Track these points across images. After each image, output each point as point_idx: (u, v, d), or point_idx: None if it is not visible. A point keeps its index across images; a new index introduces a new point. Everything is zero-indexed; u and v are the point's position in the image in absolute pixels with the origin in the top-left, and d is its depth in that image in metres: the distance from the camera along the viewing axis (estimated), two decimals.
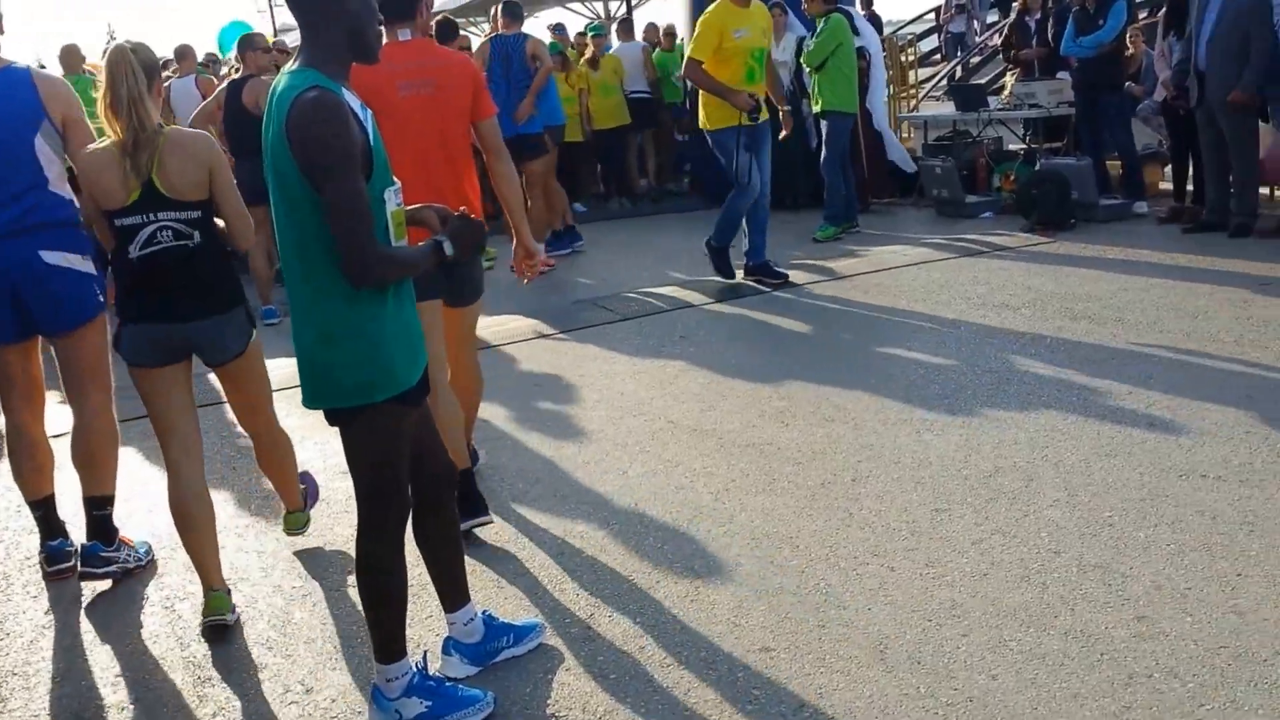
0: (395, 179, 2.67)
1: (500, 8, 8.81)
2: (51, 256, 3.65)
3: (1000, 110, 10.57)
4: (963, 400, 4.82)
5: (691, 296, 7.31)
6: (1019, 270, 7.30)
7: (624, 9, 19.33)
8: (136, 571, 3.89)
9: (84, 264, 3.73)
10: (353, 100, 2.53)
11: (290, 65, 2.55)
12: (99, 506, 3.80)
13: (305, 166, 2.42)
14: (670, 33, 13.10)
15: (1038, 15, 11.29)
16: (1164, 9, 9.05)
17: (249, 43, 7.85)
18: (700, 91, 7.31)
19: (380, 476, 2.70)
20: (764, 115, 7.10)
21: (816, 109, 9.28)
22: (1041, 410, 4.59)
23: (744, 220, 7.39)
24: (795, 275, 7.62)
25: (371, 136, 2.54)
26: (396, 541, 2.76)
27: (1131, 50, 9.65)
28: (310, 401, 2.67)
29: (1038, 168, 9.27)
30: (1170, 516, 3.53)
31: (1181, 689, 2.66)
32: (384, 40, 2.73)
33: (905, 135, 13.52)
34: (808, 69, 9.28)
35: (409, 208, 2.81)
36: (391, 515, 2.74)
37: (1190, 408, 4.45)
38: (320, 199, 2.44)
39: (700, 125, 7.32)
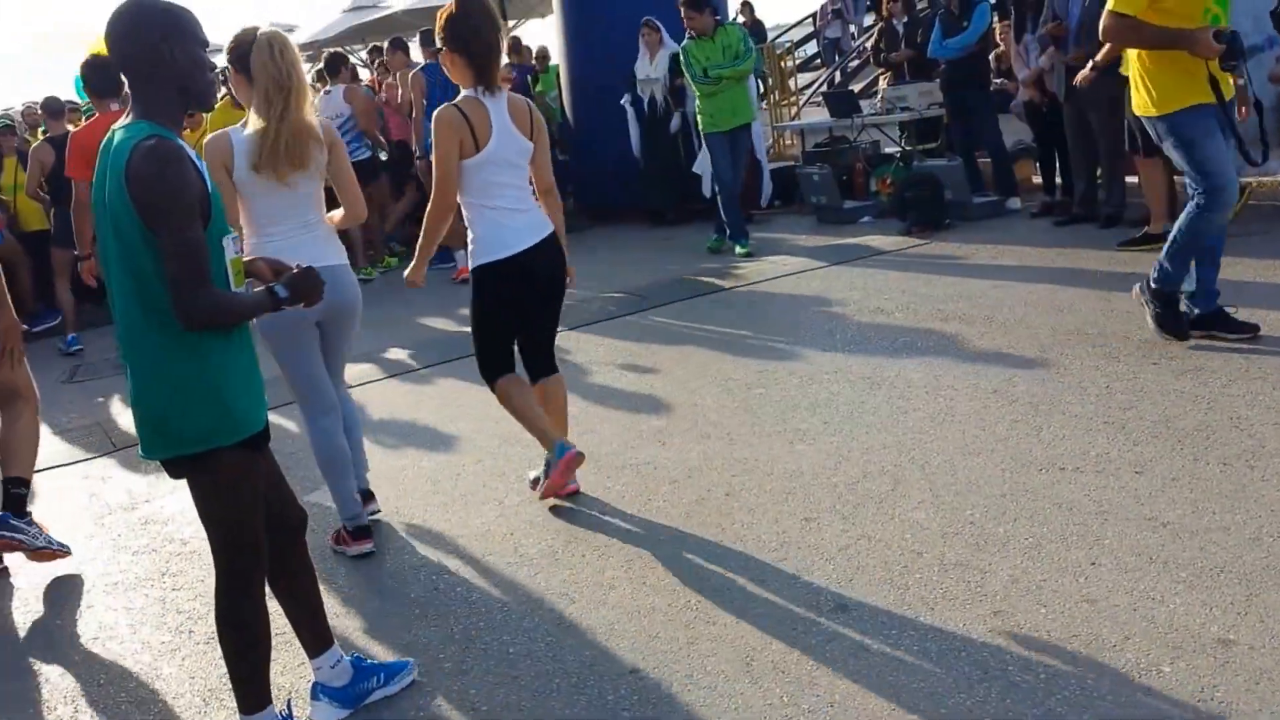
0: (231, 227, 2.66)
1: (420, 37, 9.85)
2: None
3: (872, 115, 10.79)
4: (835, 408, 4.89)
5: (568, 319, 7.29)
6: (894, 273, 7.44)
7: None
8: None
9: None
10: (188, 149, 2.51)
11: (122, 121, 2.55)
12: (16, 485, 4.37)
13: (143, 211, 2.42)
14: (544, 55, 13.17)
15: (905, 19, 11.56)
16: (1014, 10, 9.34)
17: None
18: (1136, 69, 5.06)
19: (234, 523, 2.65)
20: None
21: (730, 124, 8.91)
22: (910, 413, 4.68)
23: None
24: (665, 289, 7.68)
25: (209, 185, 2.52)
26: (257, 588, 2.72)
27: (1002, 48, 9.92)
28: (148, 451, 2.61)
29: (912, 170, 9.48)
30: (1029, 510, 3.62)
31: (1034, 680, 2.72)
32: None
33: (788, 143, 13.74)
34: (711, 83, 8.88)
35: (247, 259, 2.83)
36: (249, 561, 2.69)
37: (1051, 402, 4.58)
38: (158, 244, 2.42)
39: (1136, 111, 5.11)
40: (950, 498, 3.80)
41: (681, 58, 9.08)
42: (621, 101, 10.78)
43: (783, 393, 5.21)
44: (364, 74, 12.13)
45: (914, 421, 4.58)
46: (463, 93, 4.02)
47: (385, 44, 11.45)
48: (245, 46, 3.80)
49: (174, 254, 2.42)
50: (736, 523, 3.85)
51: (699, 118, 9.14)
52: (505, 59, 10.16)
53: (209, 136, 3.93)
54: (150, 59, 2.50)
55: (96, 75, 5.92)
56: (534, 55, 13.15)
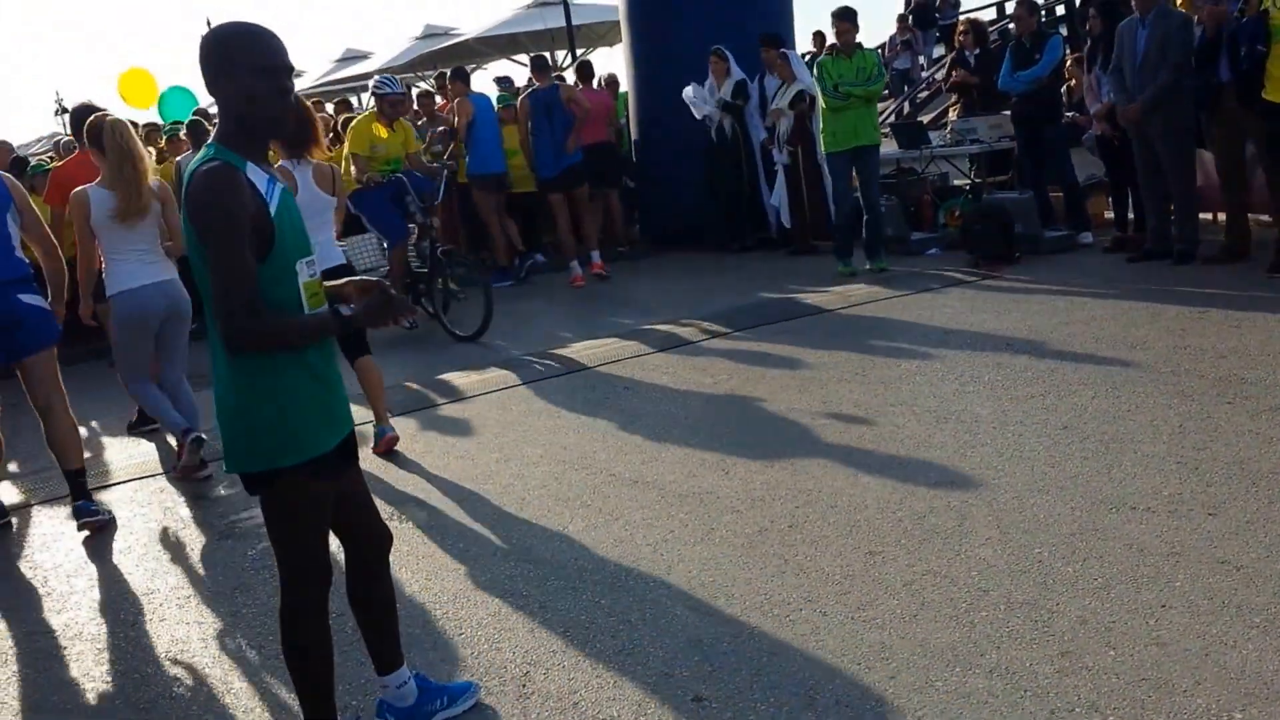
0: (311, 250, 2.72)
1: (532, 61, 11.12)
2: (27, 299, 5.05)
3: (941, 147, 10.73)
4: (900, 441, 4.86)
5: (634, 347, 7.34)
6: (962, 306, 7.39)
7: (569, 59, 19.58)
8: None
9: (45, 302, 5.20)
10: (256, 173, 2.57)
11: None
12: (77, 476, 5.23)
13: (197, 233, 2.50)
14: (614, 82, 13.30)
15: (977, 50, 11.49)
16: (1088, 43, 9.27)
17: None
18: None
19: (295, 544, 2.71)
20: None
21: (851, 143, 9.04)
22: (977, 448, 4.65)
23: None
24: (729, 320, 7.69)
25: (274, 208, 2.57)
26: (317, 609, 2.77)
27: (1073, 81, 9.83)
28: (227, 465, 2.69)
29: (981, 202, 9.41)
30: (1098, 551, 3.57)
31: None
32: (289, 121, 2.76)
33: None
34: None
35: (338, 282, 2.88)
36: (310, 583, 2.75)
37: (1123, 440, 4.52)
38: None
39: None
40: (1018, 535, 3.76)
41: (815, 71, 9.38)
42: (702, 115, 11.00)
43: (848, 425, 5.20)
44: (438, 100, 12.38)
45: (981, 457, 4.54)
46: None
47: (448, 71, 11.78)
48: (95, 129, 5.34)
49: (217, 278, 2.48)
50: (799, 554, 3.85)
51: (820, 136, 9.35)
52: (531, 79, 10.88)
53: (76, 190, 5.46)
54: (213, 88, 2.59)
55: None
56: (604, 82, 13.26)
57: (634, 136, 12.49)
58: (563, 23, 17.84)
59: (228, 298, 2.47)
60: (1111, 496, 3.97)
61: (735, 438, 5.20)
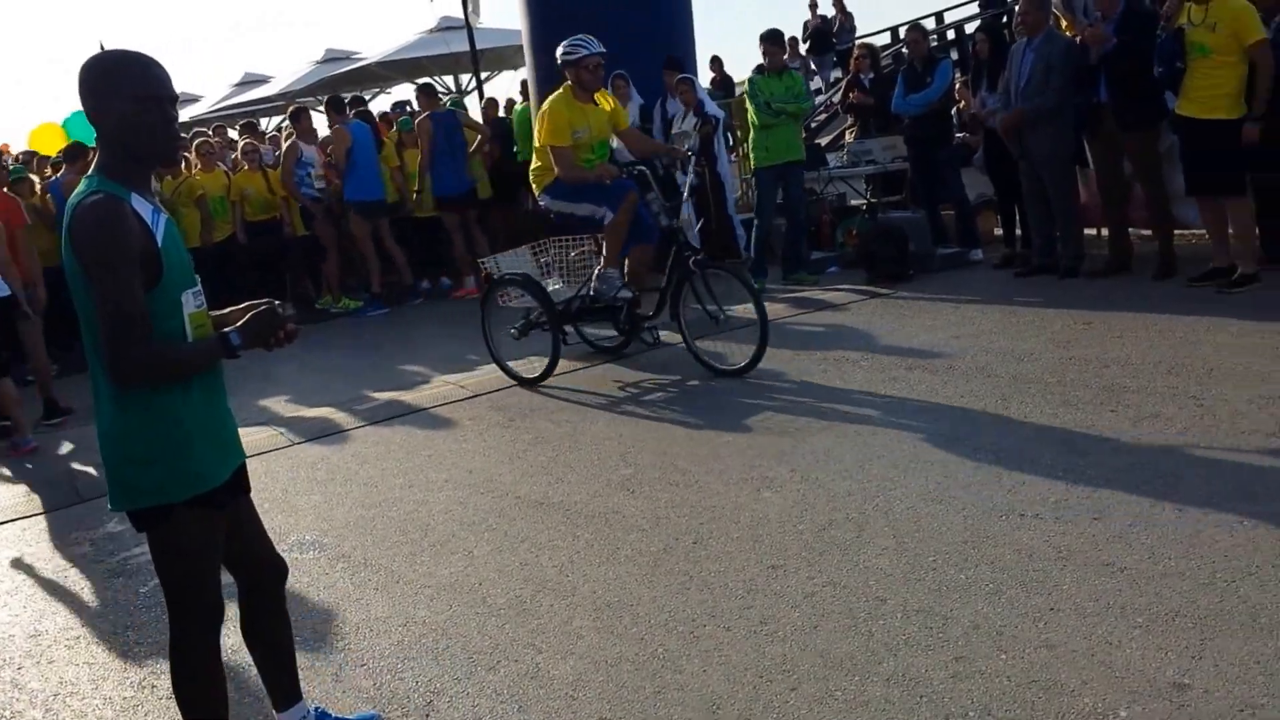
0: (196, 280, 2.67)
1: (419, 89, 11.43)
2: None
3: (838, 168, 10.96)
4: (802, 455, 4.94)
5: (544, 367, 7.33)
6: (860, 323, 7.54)
7: (473, 82, 19.58)
8: None
9: None
10: (141, 204, 2.53)
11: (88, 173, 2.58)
12: None
13: (84, 267, 2.44)
14: (511, 106, 13.48)
15: (871, 74, 11.77)
16: (971, 67, 9.62)
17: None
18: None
19: (186, 580, 2.65)
20: None
21: (783, 158, 9.44)
22: (875, 461, 4.74)
23: None
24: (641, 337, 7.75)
25: (160, 239, 2.53)
26: (206, 646, 2.72)
27: (963, 103, 10.13)
28: (112, 503, 2.62)
29: (877, 222, 9.63)
30: (990, 556, 3.67)
31: None
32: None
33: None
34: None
35: (227, 310, 2.83)
36: (201, 619, 2.69)
37: (1013, 449, 4.65)
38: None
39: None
40: (913, 544, 3.85)
41: (747, 88, 9.72)
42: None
43: (750, 440, 5.27)
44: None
45: (879, 469, 4.64)
46: None
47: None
48: None
49: (103, 310, 2.42)
50: (704, 570, 3.89)
51: (752, 152, 9.56)
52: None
53: None
54: (95, 115, 2.53)
55: None
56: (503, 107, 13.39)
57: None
58: (466, 47, 17.80)
59: (117, 330, 2.41)
60: (1002, 504, 4.09)
61: (641, 457, 5.23)
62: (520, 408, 6.43)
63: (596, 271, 7.04)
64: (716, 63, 16.95)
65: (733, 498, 4.54)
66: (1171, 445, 4.45)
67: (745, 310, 6.70)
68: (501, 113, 13.34)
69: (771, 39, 9.46)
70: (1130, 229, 8.37)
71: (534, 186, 7.23)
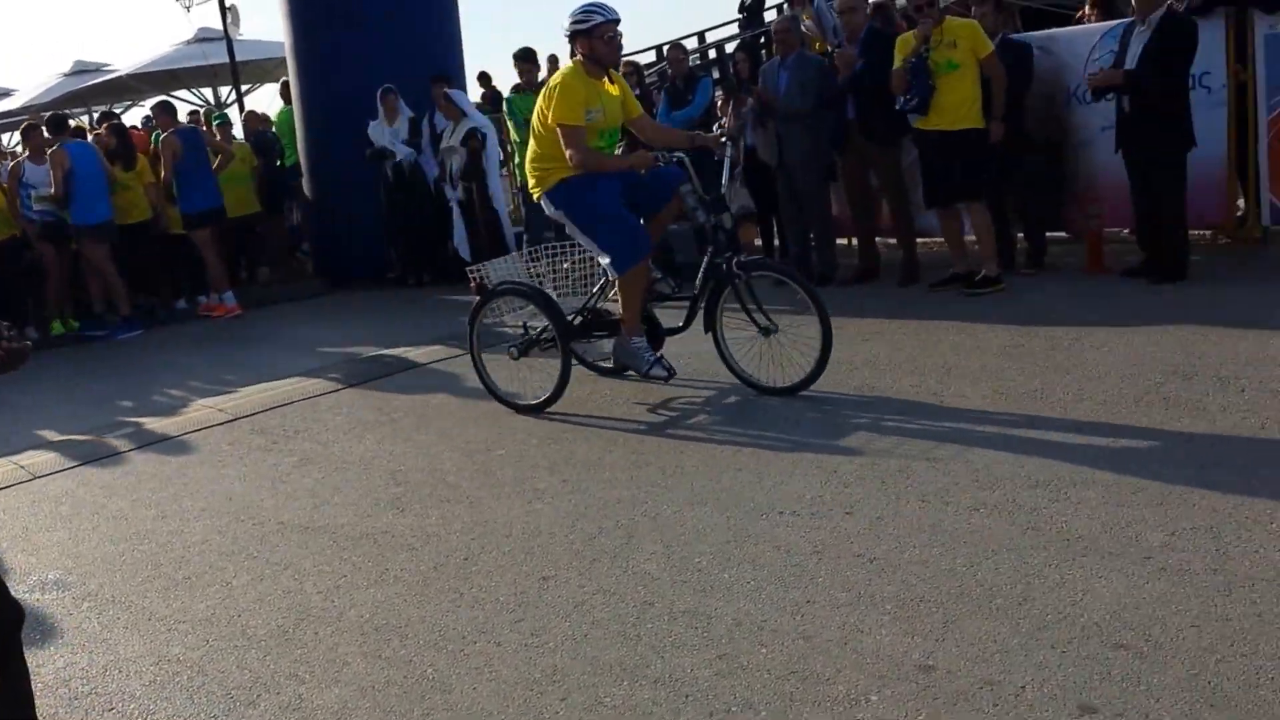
0: None
1: (159, 105, 10.94)
2: None
3: None
4: (573, 465, 4.98)
5: (308, 387, 7.12)
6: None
7: (233, 95, 18.87)
8: None
9: None
10: None
11: None
12: None
13: None
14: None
15: (637, 91, 12.03)
16: (729, 82, 10.01)
17: None
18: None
19: None
20: None
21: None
22: (644, 468, 4.83)
23: None
24: (416, 353, 7.64)
25: None
26: None
27: (725, 120, 10.45)
28: None
29: None
30: (751, 555, 3.80)
31: (755, 718, 2.85)
32: None
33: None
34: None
35: None
36: None
37: (770, 451, 4.84)
38: None
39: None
40: (680, 547, 3.94)
41: (505, 107, 9.76)
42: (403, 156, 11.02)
43: (522, 452, 5.26)
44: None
45: (648, 475, 4.73)
46: None
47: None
48: None
49: None
50: (475, 586, 3.85)
51: (519, 169, 9.61)
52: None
53: None
54: None
55: None
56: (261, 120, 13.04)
57: (303, 173, 12.24)
58: (226, 59, 17.11)
59: None
60: (762, 503, 4.24)
61: (410, 475, 5.14)
62: (284, 430, 6.21)
63: (615, 342, 6.03)
64: (485, 78, 16.90)
65: (504, 511, 4.52)
66: (913, 442, 4.73)
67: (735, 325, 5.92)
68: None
69: (525, 57, 9.59)
70: (878, 239, 8.86)
71: (532, 183, 6.00)
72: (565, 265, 6.37)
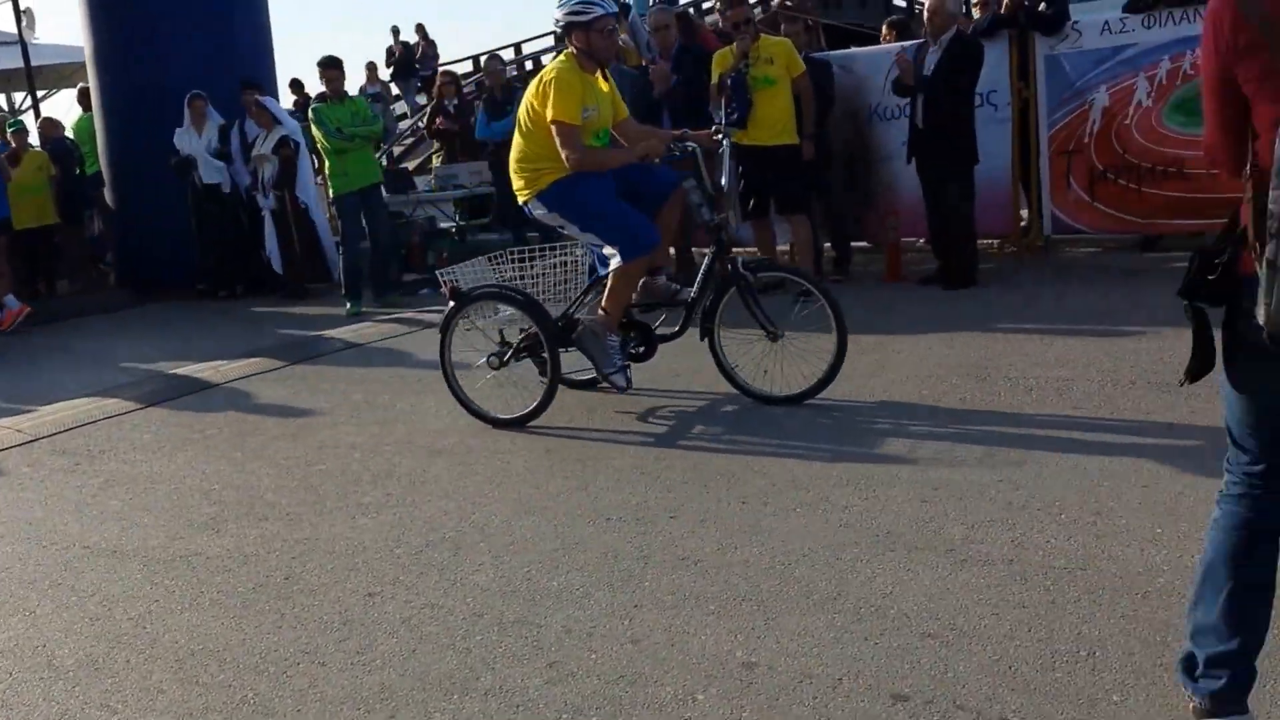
0: None
1: None
2: None
3: (428, 192, 11.06)
4: (398, 479, 4.93)
5: (117, 404, 6.80)
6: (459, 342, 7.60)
7: (29, 100, 17.84)
8: None
9: None
10: None
11: None
12: None
13: None
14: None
15: (455, 101, 11.97)
16: None
17: None
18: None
19: None
20: None
21: (364, 181, 9.49)
22: (470, 478, 4.82)
23: None
24: (229, 368, 7.40)
25: None
26: None
27: None
28: None
29: (466, 244, 9.81)
30: (579, 562, 3.85)
31: None
32: None
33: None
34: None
35: None
36: None
37: (596, 458, 4.90)
38: None
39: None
40: (509, 557, 3.95)
41: (313, 116, 9.44)
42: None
43: (344, 467, 5.17)
44: None
45: (474, 485, 4.72)
46: None
47: None
48: None
49: None
50: (297, 606, 3.77)
51: (331, 179, 9.29)
52: None
53: None
54: None
55: None
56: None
57: (105, 180, 11.71)
58: (20, 63, 16.15)
59: None
60: (589, 510, 4.30)
61: (225, 493, 4.98)
62: (87, 450, 5.91)
63: (583, 328, 5.50)
64: (297, 85, 16.52)
65: (327, 528, 4.44)
66: (734, 447, 4.88)
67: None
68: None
69: (331, 64, 9.42)
70: (695, 249, 9.07)
71: (519, 184, 5.63)
72: (536, 270, 5.90)
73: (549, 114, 5.27)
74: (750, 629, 3.27)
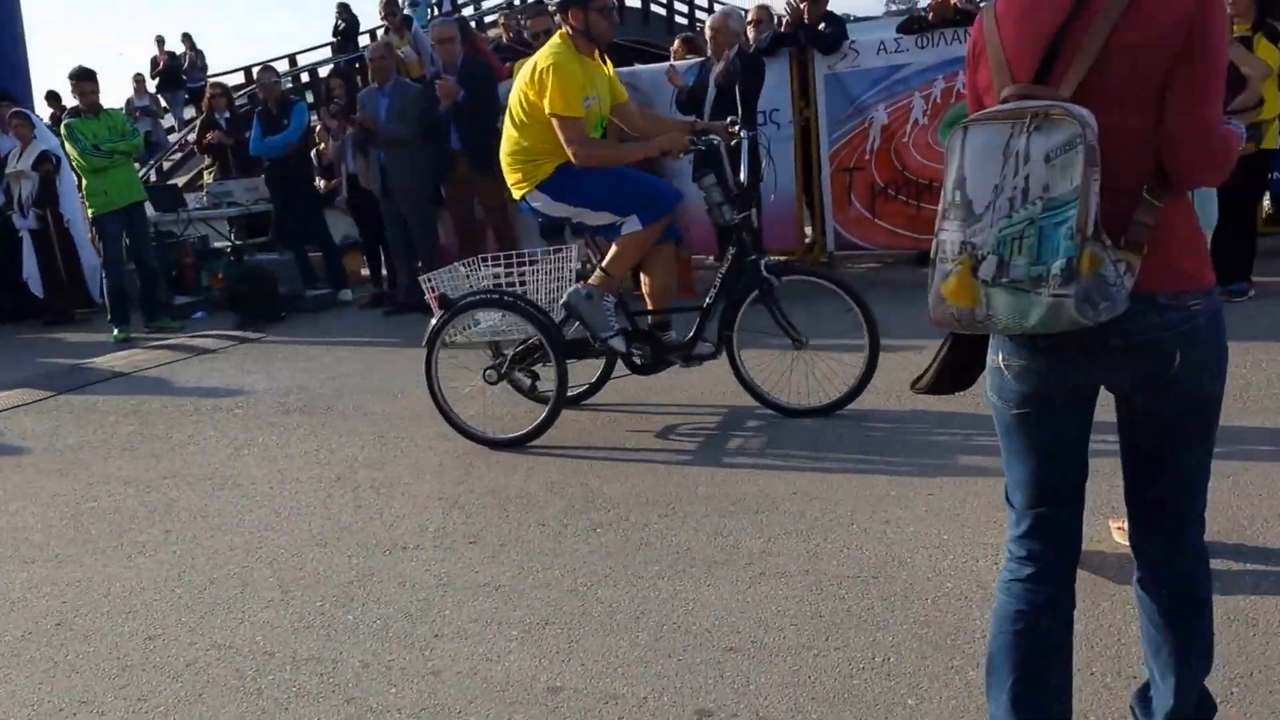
0: None
1: None
2: None
3: (199, 210, 10.56)
4: (177, 514, 4.68)
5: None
6: (234, 368, 7.32)
7: None
8: None
9: None
10: None
11: None
12: None
13: None
14: None
15: (227, 114, 11.48)
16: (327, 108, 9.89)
17: None
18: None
19: None
20: None
21: (126, 200, 8.97)
22: (256, 510, 4.63)
23: None
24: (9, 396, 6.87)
25: None
26: None
27: (323, 145, 10.23)
28: None
29: (244, 264, 9.43)
30: (376, 594, 3.75)
31: None
32: None
33: None
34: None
35: None
36: None
37: (392, 485, 4.80)
38: None
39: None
40: (300, 591, 3.82)
41: (65, 133, 8.89)
42: None
43: (117, 504, 4.88)
44: None
45: (261, 518, 4.54)
46: None
47: None
48: None
49: None
50: (71, 653, 3.52)
51: (89, 199, 8.78)
52: None
53: None
54: None
55: None
56: None
57: None
58: None
59: None
60: (385, 539, 4.20)
61: None
62: None
63: (578, 287, 5.05)
64: (54, 98, 15.46)
65: (101, 569, 4.17)
66: (530, 469, 4.87)
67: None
68: None
69: (84, 76, 8.91)
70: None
71: (515, 179, 5.13)
72: (514, 276, 5.27)
73: (548, 106, 4.85)
74: (554, 653, 3.27)
